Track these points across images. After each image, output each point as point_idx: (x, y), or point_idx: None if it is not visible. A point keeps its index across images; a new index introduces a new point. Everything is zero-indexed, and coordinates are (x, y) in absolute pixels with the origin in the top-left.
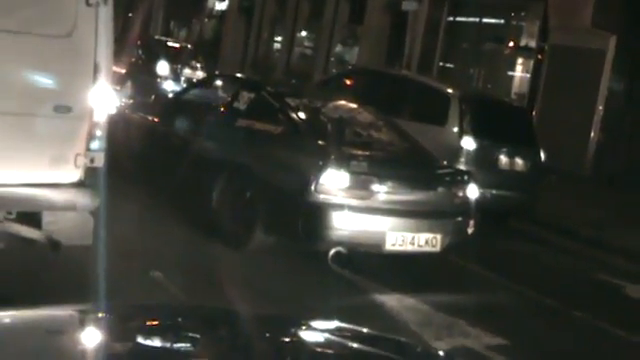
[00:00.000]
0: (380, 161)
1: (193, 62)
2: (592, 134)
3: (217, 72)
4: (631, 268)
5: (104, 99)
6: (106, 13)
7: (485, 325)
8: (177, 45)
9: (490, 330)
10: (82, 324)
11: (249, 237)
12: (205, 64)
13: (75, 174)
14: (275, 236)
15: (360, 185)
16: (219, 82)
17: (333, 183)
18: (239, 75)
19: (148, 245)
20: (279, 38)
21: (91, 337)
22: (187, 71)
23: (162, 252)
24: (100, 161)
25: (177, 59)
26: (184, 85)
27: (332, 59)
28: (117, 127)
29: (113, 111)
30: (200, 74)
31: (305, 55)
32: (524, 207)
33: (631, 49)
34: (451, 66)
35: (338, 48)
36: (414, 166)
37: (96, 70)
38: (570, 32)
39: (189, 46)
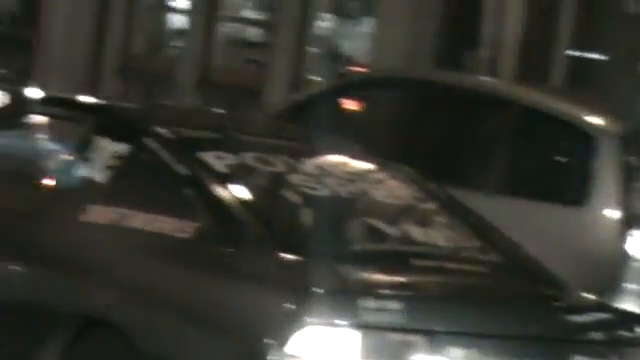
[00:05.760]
0: (434, 299)
1: None
2: None
3: (35, 91)
4: None
5: None
6: None
7: None
8: None
9: None
10: None
11: None
12: (7, 70)
13: None
14: None
15: (389, 356)
16: (40, 117)
17: (318, 354)
18: (91, 100)
19: None
20: (181, 3)
21: None
22: None
23: None
24: None
25: None
26: None
27: (311, 52)
28: None
29: None
30: None
31: (245, 43)
32: None
33: None
34: (598, 58)
35: (323, 24)
36: (516, 306)
37: None
38: None
39: None
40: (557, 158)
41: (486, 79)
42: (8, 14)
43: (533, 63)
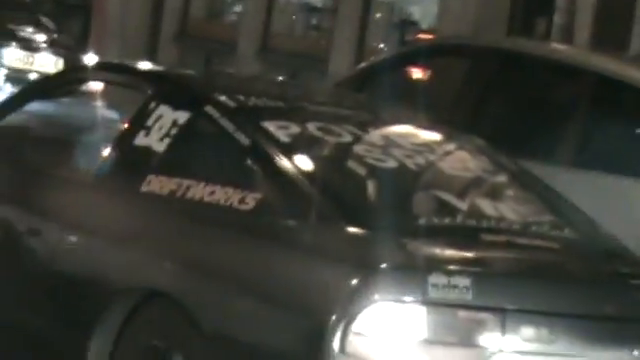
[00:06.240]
0: (505, 276)
1: (29, 28)
2: None
3: (91, 56)
4: None
5: None
6: None
7: None
8: None
9: None
10: None
11: None
12: (58, 33)
13: None
14: None
15: (458, 334)
16: (96, 83)
17: (385, 331)
18: (148, 66)
19: None
20: None
21: None
22: (14, 54)
23: None
24: None
25: None
26: (10, 89)
27: (377, 18)
28: None
29: None
30: (47, 59)
31: (308, 9)
32: None
33: None
34: None
35: None
36: (590, 284)
37: None
38: None
39: None
40: (635, 130)
41: (560, 47)
42: None
43: (610, 30)
